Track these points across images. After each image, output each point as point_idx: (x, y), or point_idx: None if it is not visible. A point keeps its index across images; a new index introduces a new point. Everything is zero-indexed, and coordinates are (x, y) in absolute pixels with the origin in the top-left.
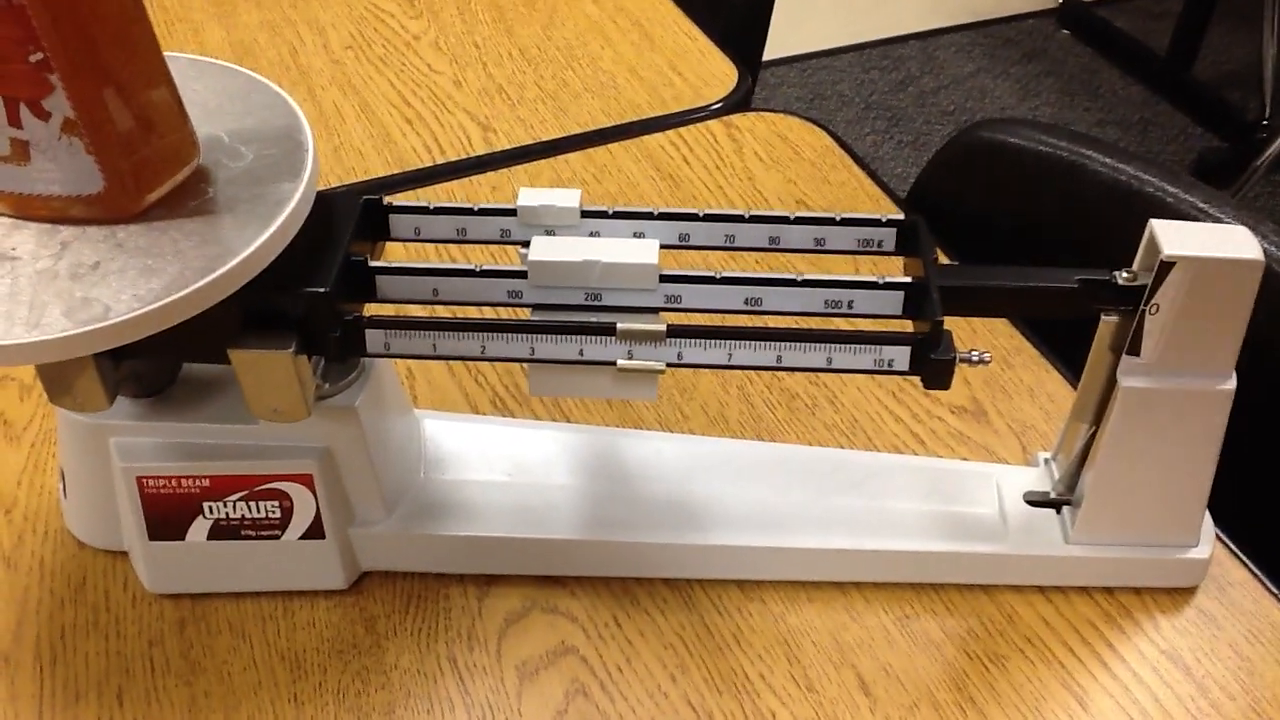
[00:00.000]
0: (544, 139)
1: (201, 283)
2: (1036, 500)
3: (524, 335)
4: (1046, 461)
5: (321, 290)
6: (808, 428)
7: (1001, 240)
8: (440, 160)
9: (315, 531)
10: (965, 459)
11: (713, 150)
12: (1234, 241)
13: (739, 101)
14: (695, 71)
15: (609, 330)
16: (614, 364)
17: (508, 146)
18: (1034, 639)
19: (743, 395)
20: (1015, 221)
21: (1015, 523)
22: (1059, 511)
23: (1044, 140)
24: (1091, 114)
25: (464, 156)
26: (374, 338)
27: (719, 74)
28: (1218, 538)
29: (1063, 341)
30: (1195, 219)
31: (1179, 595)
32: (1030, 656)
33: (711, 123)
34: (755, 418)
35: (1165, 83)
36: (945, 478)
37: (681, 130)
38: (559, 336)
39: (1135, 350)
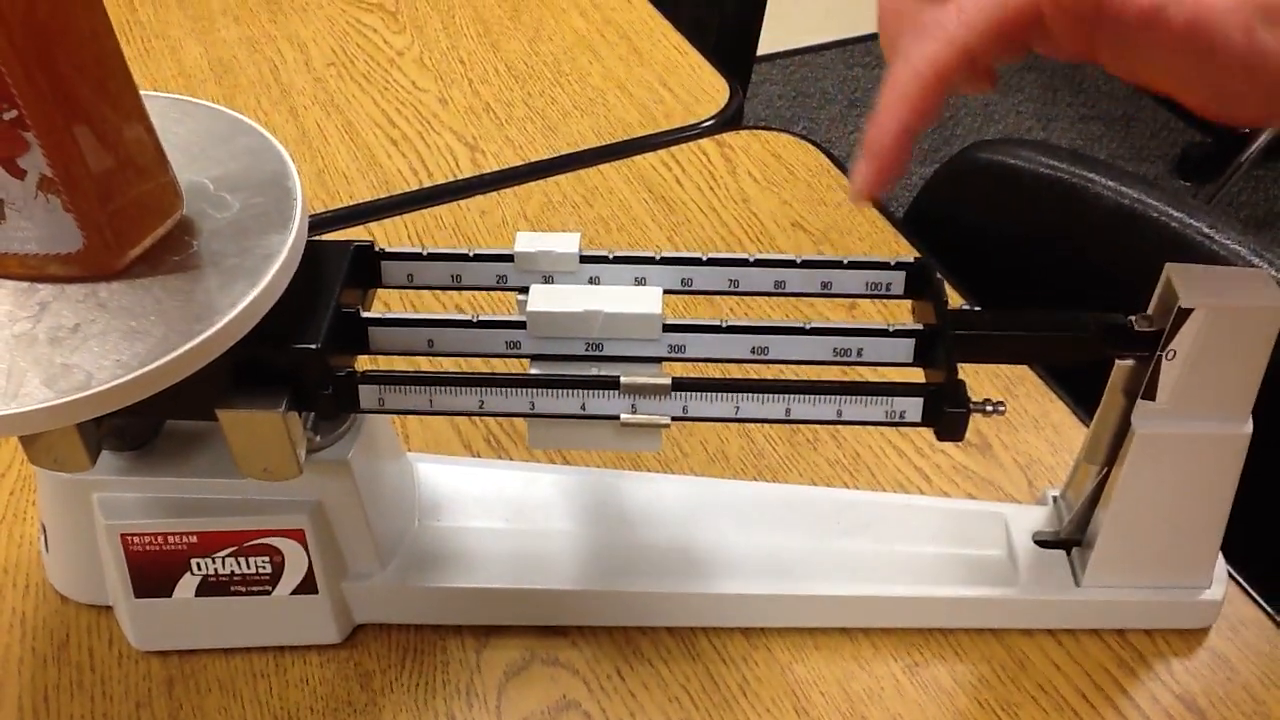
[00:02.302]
0: (533, 159)
1: (187, 347)
2: (1046, 541)
3: (524, 389)
4: (1055, 500)
5: (312, 347)
6: (810, 464)
7: (1001, 263)
8: (428, 183)
9: (307, 587)
10: (971, 496)
11: (706, 171)
12: (1252, 287)
13: (731, 117)
14: (685, 87)
15: (612, 384)
16: (617, 418)
17: (496, 168)
18: (1046, 685)
19: (743, 431)
20: (1016, 244)
21: (1025, 565)
22: (1069, 552)
23: (1044, 161)
24: (1074, 109)
25: (452, 179)
26: (368, 394)
27: (710, 89)
28: (1230, 577)
29: (1066, 369)
30: (1201, 245)
31: (1191, 636)
32: (1043, 704)
33: (704, 141)
34: (756, 454)
35: None
36: (952, 518)
37: (674, 150)
38: (560, 391)
39: (1151, 395)
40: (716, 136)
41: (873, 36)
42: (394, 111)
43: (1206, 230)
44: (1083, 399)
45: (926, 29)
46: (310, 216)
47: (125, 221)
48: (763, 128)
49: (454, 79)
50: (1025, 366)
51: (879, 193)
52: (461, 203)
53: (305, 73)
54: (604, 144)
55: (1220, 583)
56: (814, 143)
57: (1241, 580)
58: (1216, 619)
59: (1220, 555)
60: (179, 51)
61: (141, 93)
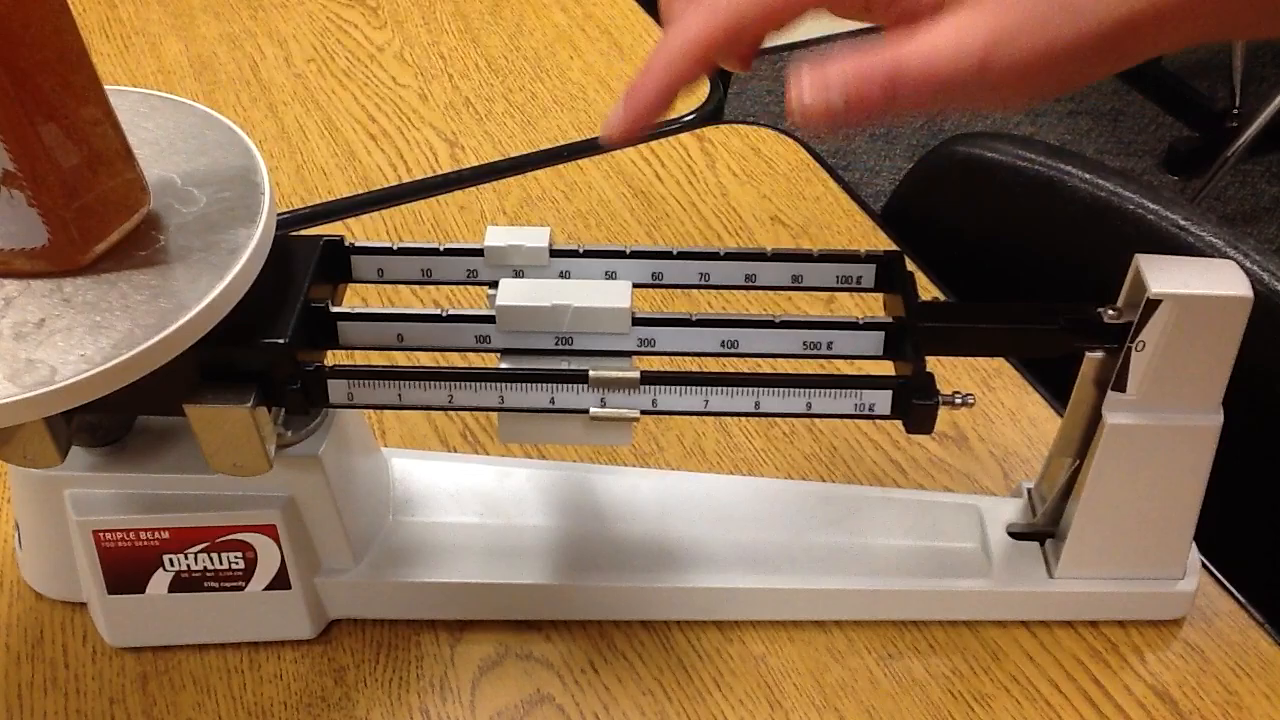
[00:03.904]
0: (512, 155)
1: (152, 341)
2: (1019, 533)
3: (493, 383)
4: (1029, 492)
5: (280, 341)
6: (786, 458)
7: (979, 257)
8: (406, 179)
9: (280, 582)
10: (948, 488)
11: (685, 165)
12: (1222, 277)
13: (711, 113)
14: None
15: (581, 378)
16: (586, 411)
17: (476, 164)
18: (1019, 677)
19: (719, 425)
20: (993, 238)
21: (999, 557)
22: (1042, 544)
23: (1021, 155)
24: (1062, 104)
25: (431, 175)
26: (336, 388)
27: None
28: (1203, 567)
29: (1043, 362)
30: (1176, 237)
31: (1165, 628)
32: (1016, 695)
33: (683, 136)
34: (733, 448)
35: (1136, 72)
36: (927, 511)
37: (653, 144)
38: (529, 385)
39: (1121, 386)
40: (696, 131)
41: (861, 33)
42: (374, 107)
43: (1182, 223)
44: (1060, 392)
45: (702, 2)
46: (288, 213)
47: (91, 217)
48: (742, 122)
49: (434, 74)
50: (1002, 359)
51: (628, 139)
52: (440, 198)
53: (285, 69)
54: (583, 139)
55: (1193, 573)
56: (794, 137)
57: (1215, 571)
58: (1190, 610)
59: (1193, 546)
60: (159, 48)
61: (110, 88)
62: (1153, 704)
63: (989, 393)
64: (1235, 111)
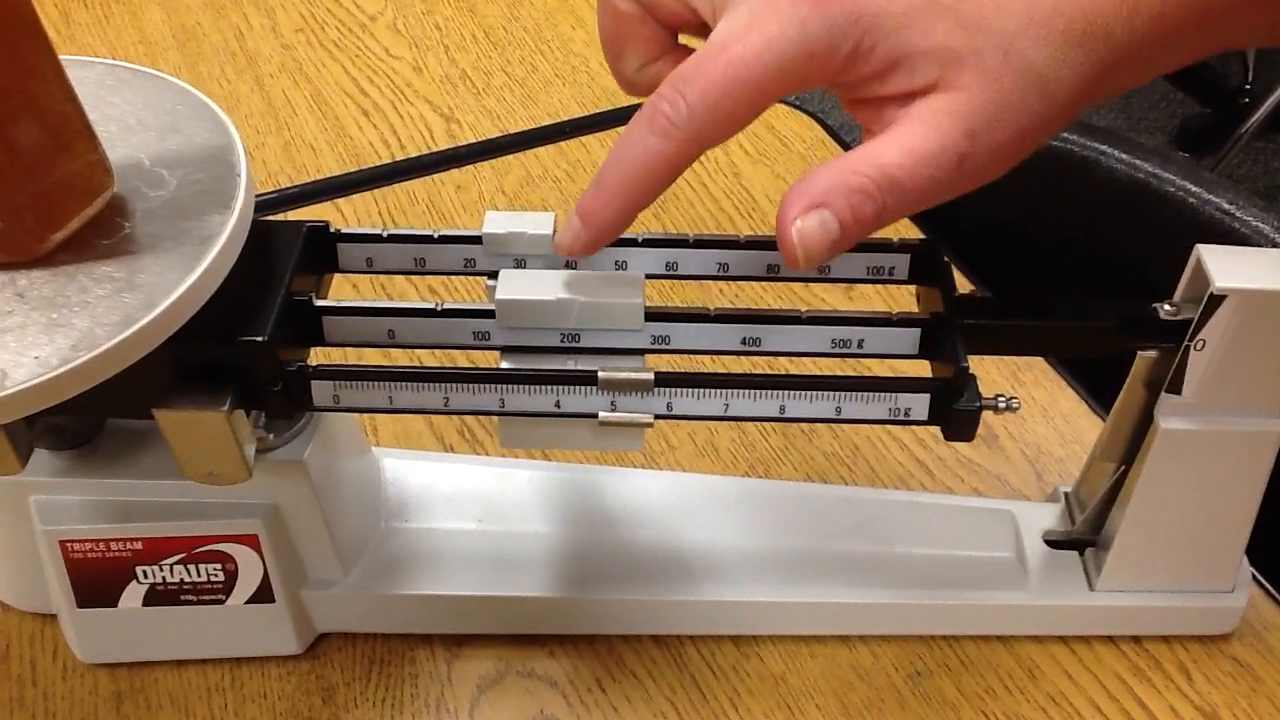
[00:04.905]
0: (512, 131)
1: (115, 340)
2: (1057, 541)
3: (493, 385)
4: (1067, 496)
5: (259, 339)
6: (805, 457)
7: (1008, 244)
8: (400, 156)
9: (263, 595)
10: (977, 491)
11: None
12: None
13: None
14: None
15: (590, 379)
16: (595, 416)
17: (473, 140)
18: (1057, 697)
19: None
20: (1023, 223)
21: (1035, 567)
22: (1081, 554)
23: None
24: None
25: (426, 151)
26: (321, 390)
27: None
28: (1255, 580)
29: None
30: (1221, 222)
31: (1212, 643)
32: (1055, 717)
33: None
34: (748, 446)
35: None
36: (957, 517)
37: None
38: (532, 387)
39: (1176, 388)
40: None
41: None
42: (365, 80)
43: (1226, 206)
44: (1094, 386)
45: (659, 114)
46: (275, 193)
47: (47, 203)
48: None
49: (429, 45)
50: None
51: (589, 255)
52: (436, 177)
53: (272, 39)
54: (587, 114)
55: (1243, 587)
56: (809, 113)
57: (1265, 583)
58: (1238, 624)
59: (1244, 558)
60: (140, 18)
61: (73, 58)
62: None
63: (1019, 387)
64: (1248, 88)
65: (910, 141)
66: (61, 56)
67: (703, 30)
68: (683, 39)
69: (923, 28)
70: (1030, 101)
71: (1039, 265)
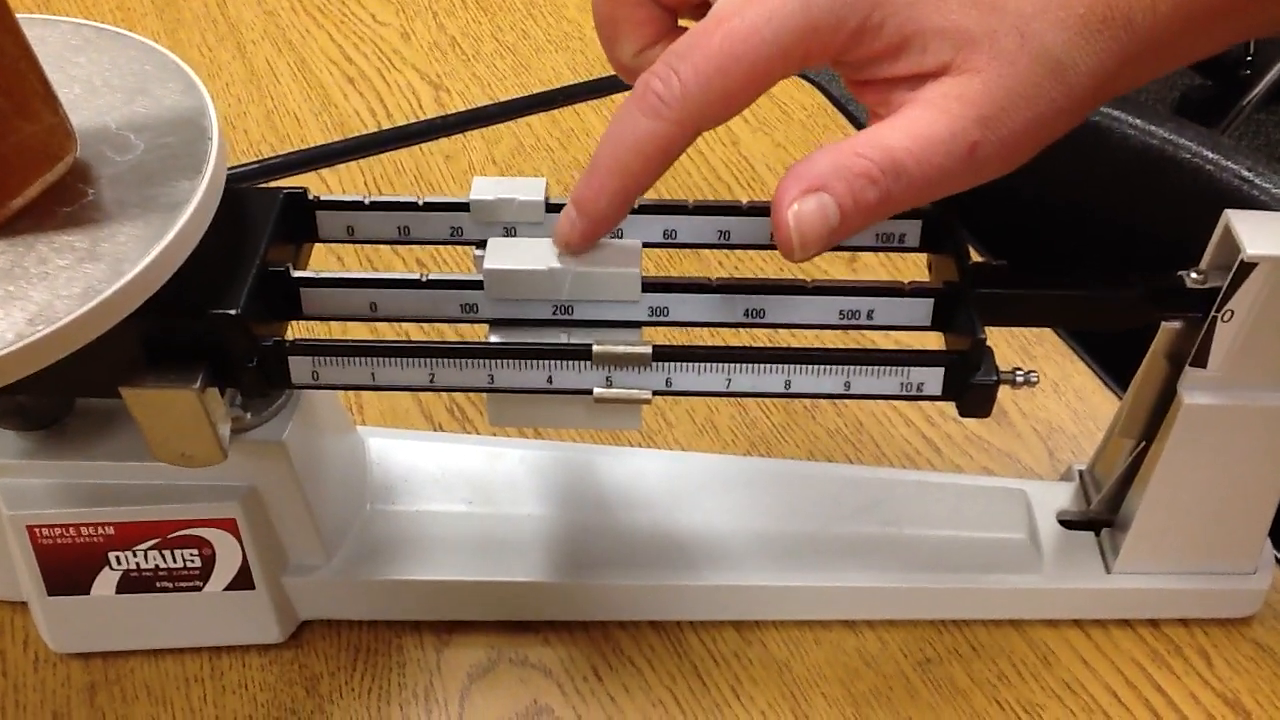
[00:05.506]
0: (503, 99)
1: (76, 314)
2: (1072, 521)
3: (481, 360)
4: (1081, 475)
5: (232, 312)
6: (808, 435)
7: (1018, 213)
8: (387, 125)
9: (242, 581)
10: (987, 470)
11: None
12: None
13: None
14: None
15: (584, 354)
16: (590, 393)
17: (462, 108)
18: (1073, 684)
19: (735, 398)
20: (1033, 192)
21: (1049, 549)
22: (1098, 534)
23: None
24: None
25: (413, 120)
26: (299, 366)
27: None
28: (1277, 561)
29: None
30: (1239, 189)
31: (1232, 627)
32: (1069, 704)
33: None
34: (749, 424)
35: None
36: (967, 497)
37: None
38: (523, 362)
39: (1201, 361)
40: None
41: None
42: (351, 47)
43: (1244, 173)
44: (1106, 359)
45: (650, 93)
46: (256, 162)
47: (3, 169)
48: None
49: (417, 11)
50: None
51: (588, 247)
52: (424, 146)
53: (255, 5)
54: (581, 81)
55: (1266, 568)
56: (811, 80)
57: None
58: (1260, 607)
59: (1267, 539)
60: None
61: (35, 17)
62: (1223, 714)
63: (1030, 361)
64: (1249, 59)
65: (919, 126)
66: (23, 16)
67: (703, 10)
68: (683, 23)
69: (935, 4)
70: (1047, 88)
71: (1050, 235)
